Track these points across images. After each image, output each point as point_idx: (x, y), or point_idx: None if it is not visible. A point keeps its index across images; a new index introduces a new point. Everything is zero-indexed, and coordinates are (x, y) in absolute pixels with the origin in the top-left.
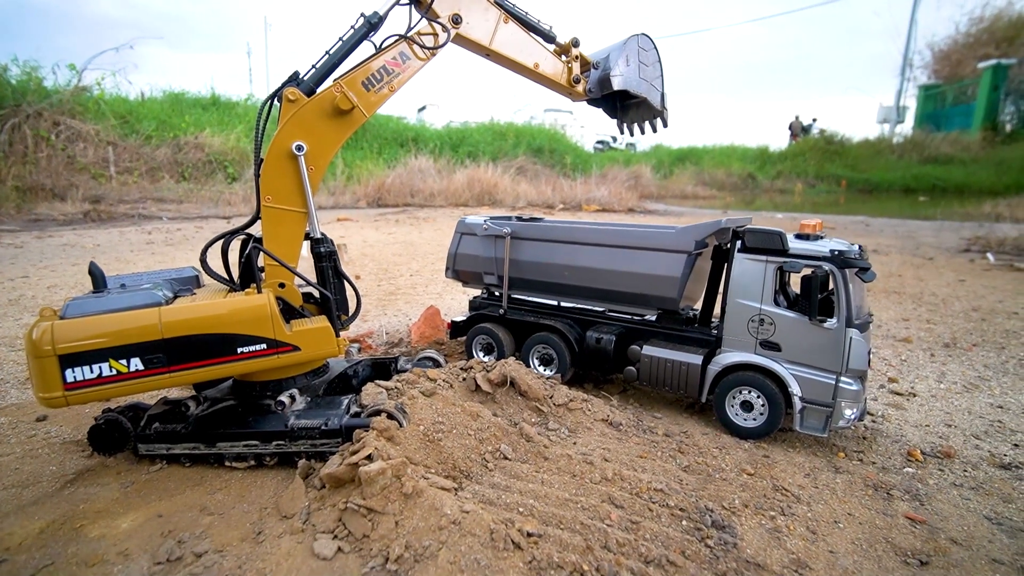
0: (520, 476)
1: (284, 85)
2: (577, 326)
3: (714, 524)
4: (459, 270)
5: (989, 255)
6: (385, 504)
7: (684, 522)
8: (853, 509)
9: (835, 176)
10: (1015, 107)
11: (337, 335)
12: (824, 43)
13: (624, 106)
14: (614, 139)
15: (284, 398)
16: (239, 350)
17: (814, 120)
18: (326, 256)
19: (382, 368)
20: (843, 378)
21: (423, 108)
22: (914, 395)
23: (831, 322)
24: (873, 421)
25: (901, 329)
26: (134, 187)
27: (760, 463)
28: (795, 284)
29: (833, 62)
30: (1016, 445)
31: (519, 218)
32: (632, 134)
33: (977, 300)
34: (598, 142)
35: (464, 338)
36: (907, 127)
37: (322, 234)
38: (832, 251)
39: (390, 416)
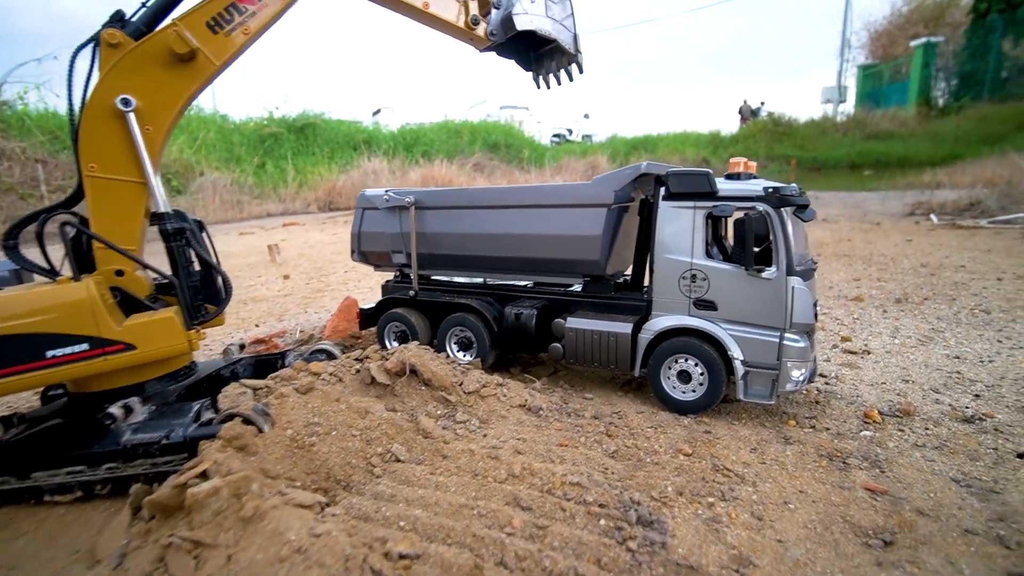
0: (411, 481)
1: (106, 26)
2: (496, 303)
3: (639, 520)
4: (365, 251)
5: (933, 216)
6: (217, 534)
7: (603, 521)
8: (805, 485)
9: (785, 156)
10: (946, 83)
11: (193, 327)
12: (768, 29)
13: (537, 55)
14: (570, 131)
15: (115, 410)
16: (48, 354)
17: (762, 104)
18: (174, 234)
19: (267, 366)
20: (788, 335)
21: (378, 111)
22: (868, 352)
23: (770, 271)
24: (826, 383)
25: (852, 289)
26: None
27: (700, 441)
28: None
29: (777, 47)
30: (977, 395)
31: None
32: (548, 86)
33: (925, 257)
34: (554, 135)
35: (376, 328)
36: (849, 106)
37: (175, 210)
38: (766, 189)
39: (246, 421)
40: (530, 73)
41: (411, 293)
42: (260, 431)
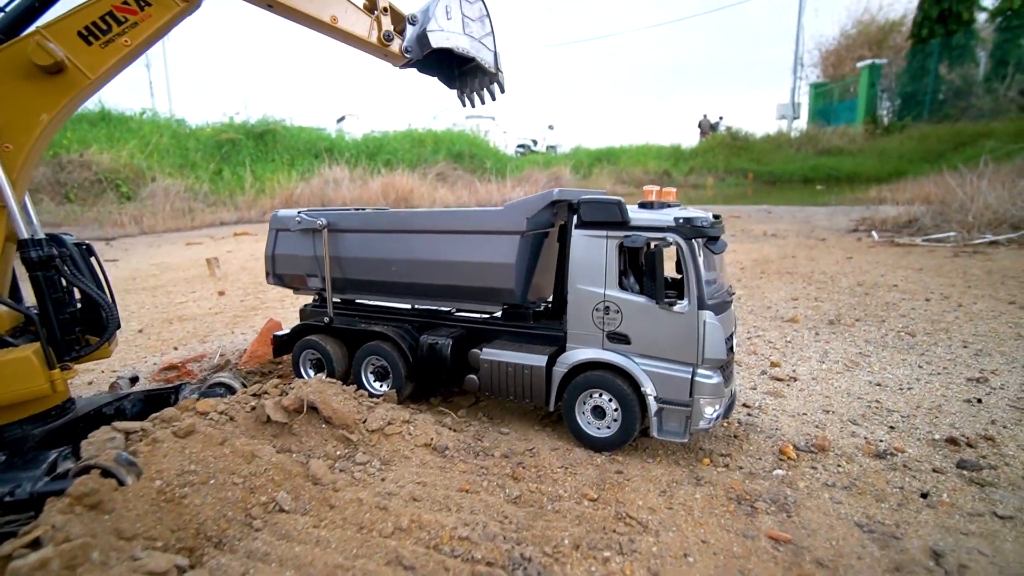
0: (291, 535)
1: None
2: (414, 331)
3: None
4: (280, 274)
5: (874, 233)
6: None
7: None
8: (709, 533)
9: (742, 170)
10: (890, 103)
11: (64, 364)
12: (726, 46)
13: (460, 73)
14: (535, 142)
15: None
16: None
17: (720, 118)
18: (40, 263)
19: (160, 401)
20: (700, 371)
21: (342, 119)
22: (795, 379)
23: (681, 304)
24: (748, 414)
25: (790, 309)
26: None
27: (608, 483)
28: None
29: (735, 63)
30: (892, 427)
31: (359, 208)
32: (473, 104)
33: (862, 275)
34: (519, 146)
35: (291, 355)
36: (802, 122)
37: (51, 235)
38: (677, 219)
39: (105, 473)
40: (454, 91)
41: (326, 320)
42: (121, 484)
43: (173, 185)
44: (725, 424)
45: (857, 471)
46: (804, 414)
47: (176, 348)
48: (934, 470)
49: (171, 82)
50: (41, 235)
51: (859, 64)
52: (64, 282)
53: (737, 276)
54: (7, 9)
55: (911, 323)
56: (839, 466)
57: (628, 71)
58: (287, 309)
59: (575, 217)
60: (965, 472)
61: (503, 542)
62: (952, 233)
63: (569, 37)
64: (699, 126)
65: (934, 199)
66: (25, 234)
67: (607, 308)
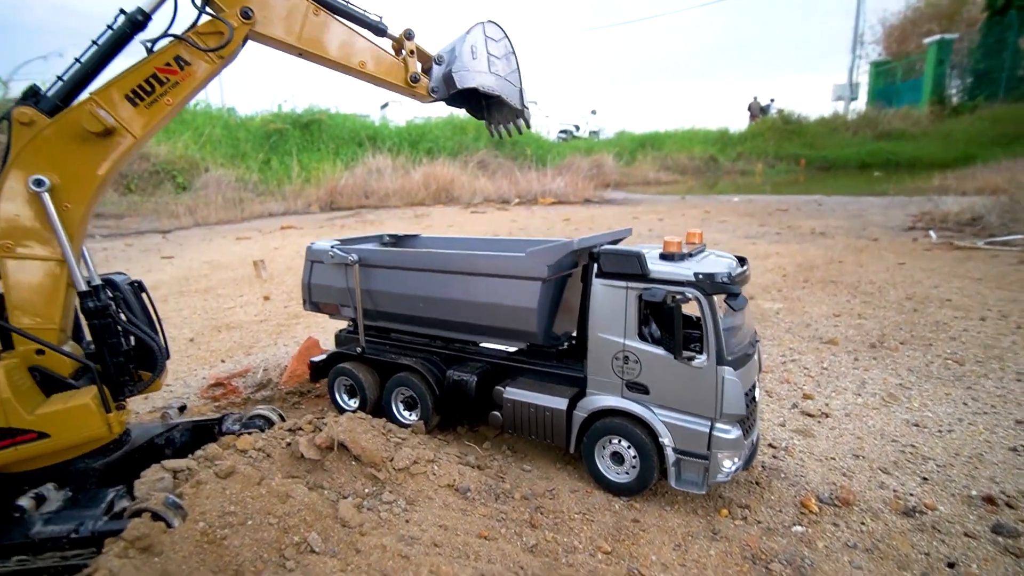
0: None
1: (18, 105)
2: (440, 364)
3: None
4: (316, 301)
5: (932, 233)
6: None
7: None
8: None
9: (794, 155)
10: (960, 81)
11: (118, 403)
12: (778, 24)
13: (488, 105)
14: (577, 128)
15: (24, 501)
16: None
17: (771, 100)
18: (97, 312)
19: (205, 432)
20: (718, 424)
21: (386, 105)
22: (827, 415)
23: (700, 359)
24: (774, 456)
25: (830, 328)
26: None
27: (624, 533)
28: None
29: (788, 42)
30: (924, 479)
31: (392, 237)
32: (500, 136)
33: (913, 287)
34: (561, 131)
35: (327, 380)
36: (861, 104)
37: (106, 279)
38: (697, 275)
39: (155, 516)
40: (483, 121)
41: (358, 349)
42: (169, 526)
43: (225, 175)
44: (747, 470)
45: (881, 531)
46: (832, 458)
47: (223, 361)
48: (966, 534)
49: (223, 72)
50: (97, 281)
51: (926, 40)
52: (118, 327)
53: (779, 285)
54: (64, 78)
55: (961, 348)
56: (863, 523)
57: (674, 53)
58: (325, 320)
59: (595, 266)
60: (1000, 539)
61: None
62: (1021, 236)
63: (612, 19)
64: (748, 109)
65: (1003, 191)
66: (83, 287)
67: (626, 357)
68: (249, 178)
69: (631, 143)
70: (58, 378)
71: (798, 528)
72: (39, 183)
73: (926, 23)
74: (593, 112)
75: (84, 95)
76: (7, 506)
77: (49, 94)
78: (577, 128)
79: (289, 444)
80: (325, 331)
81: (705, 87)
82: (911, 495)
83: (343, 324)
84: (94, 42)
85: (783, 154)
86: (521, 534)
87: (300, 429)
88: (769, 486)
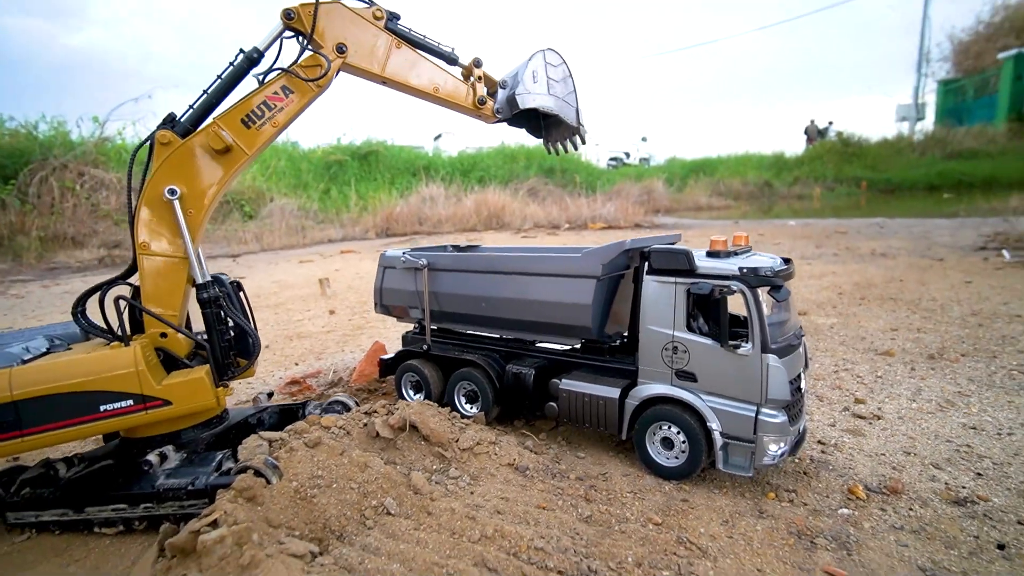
0: (397, 535)
1: (159, 128)
2: (500, 360)
3: None
4: (387, 304)
5: (1004, 252)
6: None
7: None
8: (766, 564)
9: (855, 178)
10: None
11: (223, 384)
12: (835, 46)
13: (546, 125)
14: (627, 155)
15: (152, 457)
16: (102, 408)
17: (830, 123)
18: (210, 302)
19: (290, 415)
20: (764, 410)
21: (439, 136)
22: (879, 418)
23: (746, 347)
24: (823, 451)
25: (887, 341)
26: None
27: (674, 509)
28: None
29: (846, 64)
30: (979, 474)
31: (456, 247)
32: (557, 152)
33: (980, 303)
34: (611, 159)
35: (395, 377)
36: (928, 123)
37: (214, 276)
38: (742, 269)
39: (257, 473)
40: (540, 140)
41: (424, 347)
42: (268, 483)
43: (288, 204)
44: (795, 460)
45: (930, 516)
46: (882, 455)
47: (296, 364)
48: (1019, 522)
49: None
50: (209, 278)
51: (1001, 55)
52: (224, 315)
53: (833, 302)
54: (194, 106)
55: None
56: (910, 509)
57: (726, 79)
58: (388, 330)
59: (646, 264)
60: None
61: (573, 555)
62: None
63: (664, 47)
64: (806, 132)
65: None
66: (200, 279)
67: (675, 348)
68: (310, 206)
69: (682, 169)
70: (177, 358)
71: (844, 511)
72: (173, 192)
73: (1001, 38)
74: (644, 139)
75: (209, 120)
76: (137, 462)
77: (182, 119)
78: (627, 155)
79: (366, 425)
80: (389, 340)
81: (759, 112)
82: (963, 487)
83: (407, 329)
84: (218, 76)
85: (843, 177)
86: (576, 506)
87: (375, 412)
88: (817, 475)
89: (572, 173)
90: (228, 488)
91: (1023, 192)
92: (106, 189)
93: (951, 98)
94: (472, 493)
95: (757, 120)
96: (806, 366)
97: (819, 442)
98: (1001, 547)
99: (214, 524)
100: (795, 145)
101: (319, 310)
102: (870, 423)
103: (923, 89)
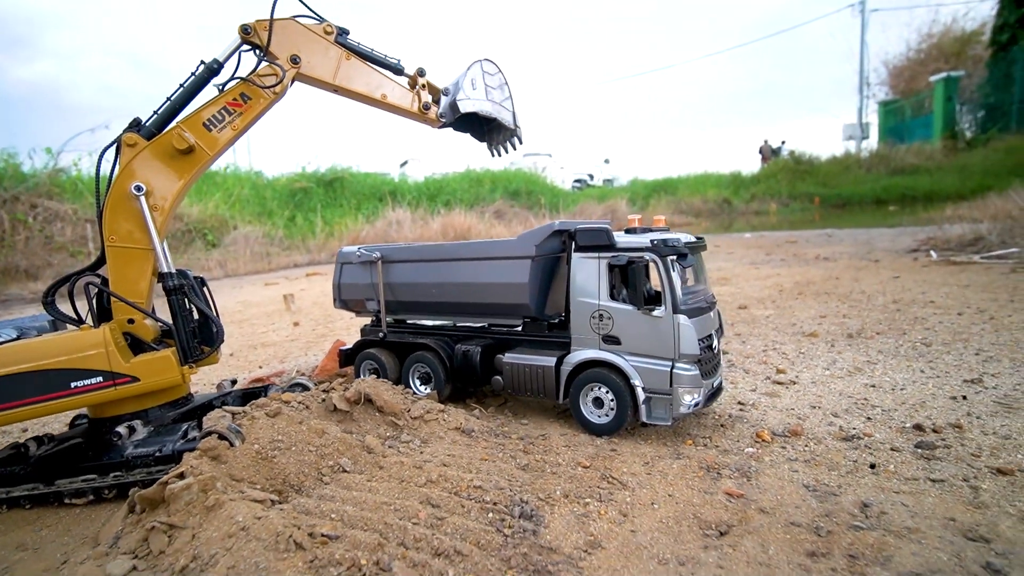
0: (351, 486)
1: (126, 131)
2: (450, 342)
3: (522, 515)
4: (345, 299)
5: (932, 252)
6: (186, 518)
7: (491, 514)
8: (676, 490)
9: (808, 194)
10: (972, 115)
11: (187, 364)
12: (784, 71)
13: (489, 130)
14: (591, 177)
15: (121, 429)
16: (73, 384)
17: (783, 143)
18: (174, 289)
19: (253, 397)
20: (678, 364)
21: (405, 163)
22: (795, 383)
23: (659, 310)
24: (741, 410)
25: (814, 325)
26: None
27: (602, 456)
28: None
29: (795, 87)
30: (868, 418)
31: (407, 245)
32: (499, 154)
33: (902, 293)
34: (576, 181)
35: (354, 366)
36: (872, 142)
37: (179, 269)
38: (653, 241)
39: (221, 436)
40: (484, 144)
41: (380, 335)
42: (231, 445)
43: (252, 232)
44: (715, 416)
45: (822, 450)
46: (792, 409)
47: (260, 367)
48: (892, 449)
49: (251, 138)
50: (173, 270)
51: (933, 78)
52: (188, 304)
53: (773, 297)
54: (158, 111)
55: (932, 335)
56: (807, 446)
57: (684, 102)
58: (352, 336)
59: (573, 243)
60: (919, 450)
61: (508, 491)
62: (1015, 249)
63: (623, 72)
64: (760, 152)
65: (1009, 217)
66: (165, 268)
67: (601, 315)
68: (275, 234)
69: (644, 189)
70: (143, 343)
71: (750, 449)
72: (139, 188)
73: (932, 62)
74: (606, 161)
75: (172, 124)
76: (107, 435)
77: (147, 124)
78: (591, 177)
79: (324, 400)
80: (350, 340)
81: (716, 134)
82: (853, 428)
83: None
84: (181, 84)
85: (797, 193)
86: (515, 457)
87: (333, 389)
88: (732, 427)
89: (537, 195)
90: (194, 449)
91: (956, 203)
92: (61, 221)
93: (891, 118)
94: (422, 453)
95: (714, 141)
96: (721, 331)
97: (739, 403)
98: (872, 466)
99: (181, 476)
100: (751, 164)
101: (283, 323)
102: (787, 388)
103: (866, 110)
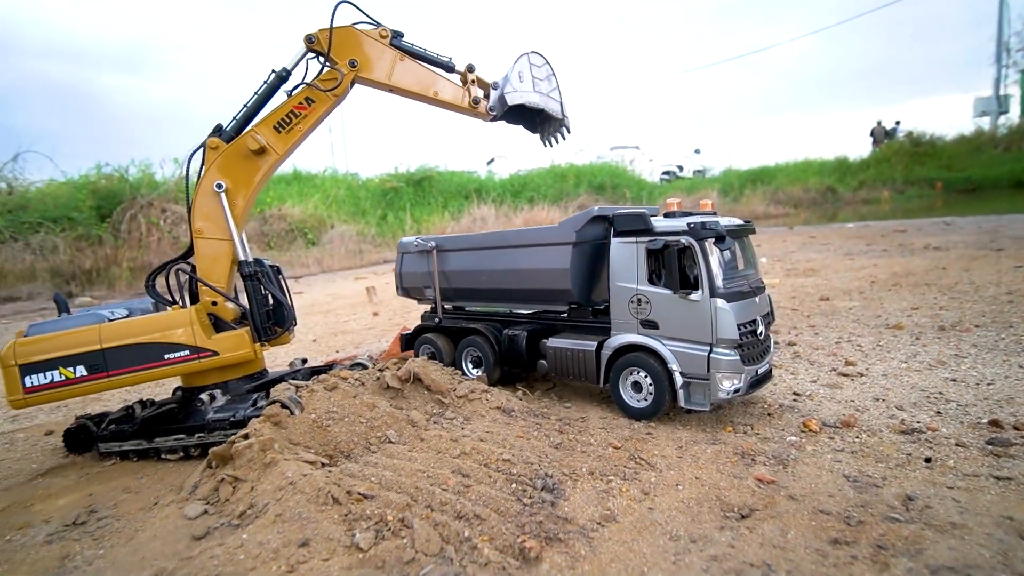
0: (395, 455)
1: (209, 136)
2: (500, 328)
3: (544, 487)
4: (406, 287)
5: None
6: (248, 472)
7: (515, 485)
8: (705, 474)
9: (927, 179)
10: None
11: (261, 342)
12: (898, 45)
13: (539, 121)
14: (680, 168)
15: (204, 396)
16: (166, 356)
17: (897, 123)
18: (250, 276)
19: (318, 374)
20: (716, 349)
21: (491, 160)
22: (862, 376)
23: (696, 294)
24: (795, 400)
25: (902, 317)
26: None
27: (635, 439)
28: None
29: (914, 61)
30: (939, 412)
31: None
32: (550, 144)
33: (1020, 284)
34: (664, 173)
35: (413, 349)
36: (1012, 117)
37: (255, 259)
38: (689, 224)
39: (283, 405)
40: (536, 135)
41: (436, 320)
42: (291, 413)
43: (347, 230)
44: (764, 404)
45: (874, 442)
46: (852, 401)
47: (337, 351)
48: (957, 444)
49: (347, 142)
50: (251, 258)
51: None
52: (263, 289)
53: (861, 289)
54: (236, 117)
55: None
56: (858, 438)
57: (782, 87)
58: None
59: (612, 228)
60: (990, 447)
61: (536, 466)
62: None
63: (713, 58)
64: (871, 134)
65: None
66: (242, 257)
67: (639, 300)
68: (368, 232)
69: (738, 179)
70: (224, 323)
71: (792, 438)
72: (220, 186)
73: None
74: (697, 151)
75: (248, 128)
76: (193, 401)
77: (227, 128)
78: (680, 168)
79: (378, 378)
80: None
81: (819, 119)
82: (917, 422)
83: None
84: (255, 92)
85: (914, 179)
86: (550, 436)
87: (387, 368)
88: (780, 416)
89: (622, 188)
90: (260, 415)
91: None
92: (185, 222)
93: None
94: (462, 429)
95: (817, 127)
96: (772, 318)
97: (794, 393)
98: (928, 460)
99: (245, 437)
100: (860, 149)
101: (364, 313)
102: (851, 379)
103: (1005, 81)
